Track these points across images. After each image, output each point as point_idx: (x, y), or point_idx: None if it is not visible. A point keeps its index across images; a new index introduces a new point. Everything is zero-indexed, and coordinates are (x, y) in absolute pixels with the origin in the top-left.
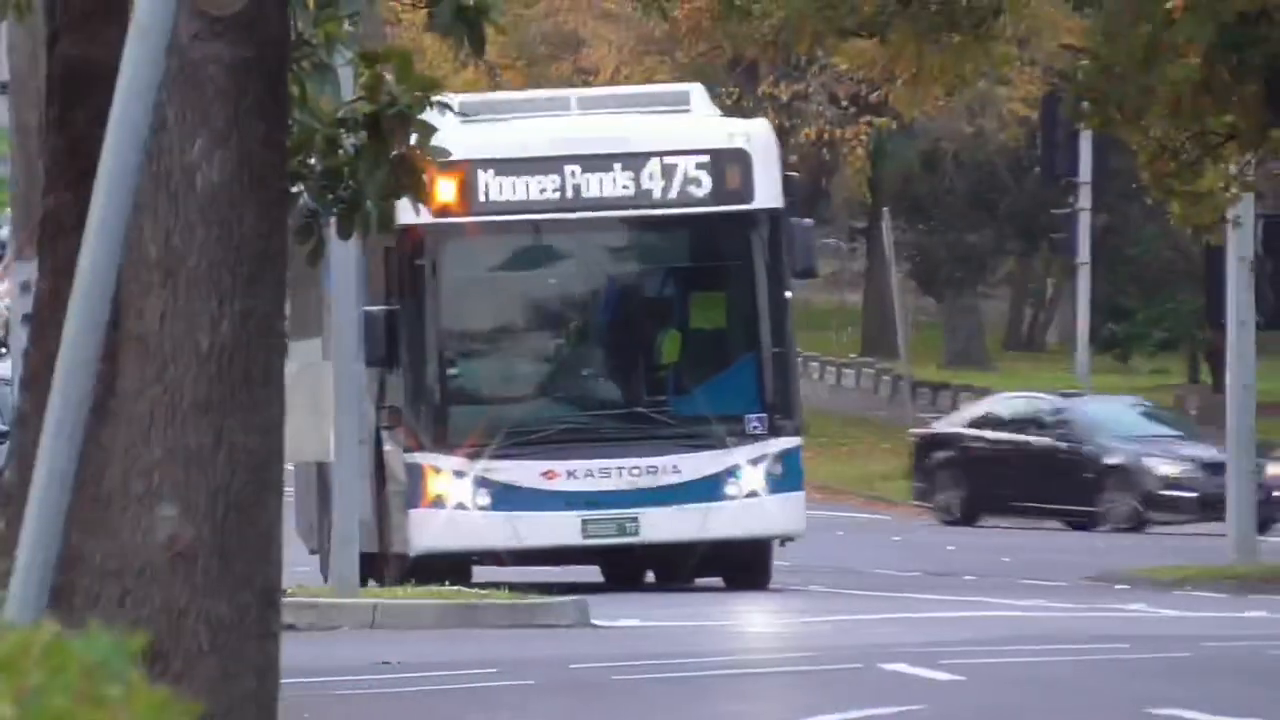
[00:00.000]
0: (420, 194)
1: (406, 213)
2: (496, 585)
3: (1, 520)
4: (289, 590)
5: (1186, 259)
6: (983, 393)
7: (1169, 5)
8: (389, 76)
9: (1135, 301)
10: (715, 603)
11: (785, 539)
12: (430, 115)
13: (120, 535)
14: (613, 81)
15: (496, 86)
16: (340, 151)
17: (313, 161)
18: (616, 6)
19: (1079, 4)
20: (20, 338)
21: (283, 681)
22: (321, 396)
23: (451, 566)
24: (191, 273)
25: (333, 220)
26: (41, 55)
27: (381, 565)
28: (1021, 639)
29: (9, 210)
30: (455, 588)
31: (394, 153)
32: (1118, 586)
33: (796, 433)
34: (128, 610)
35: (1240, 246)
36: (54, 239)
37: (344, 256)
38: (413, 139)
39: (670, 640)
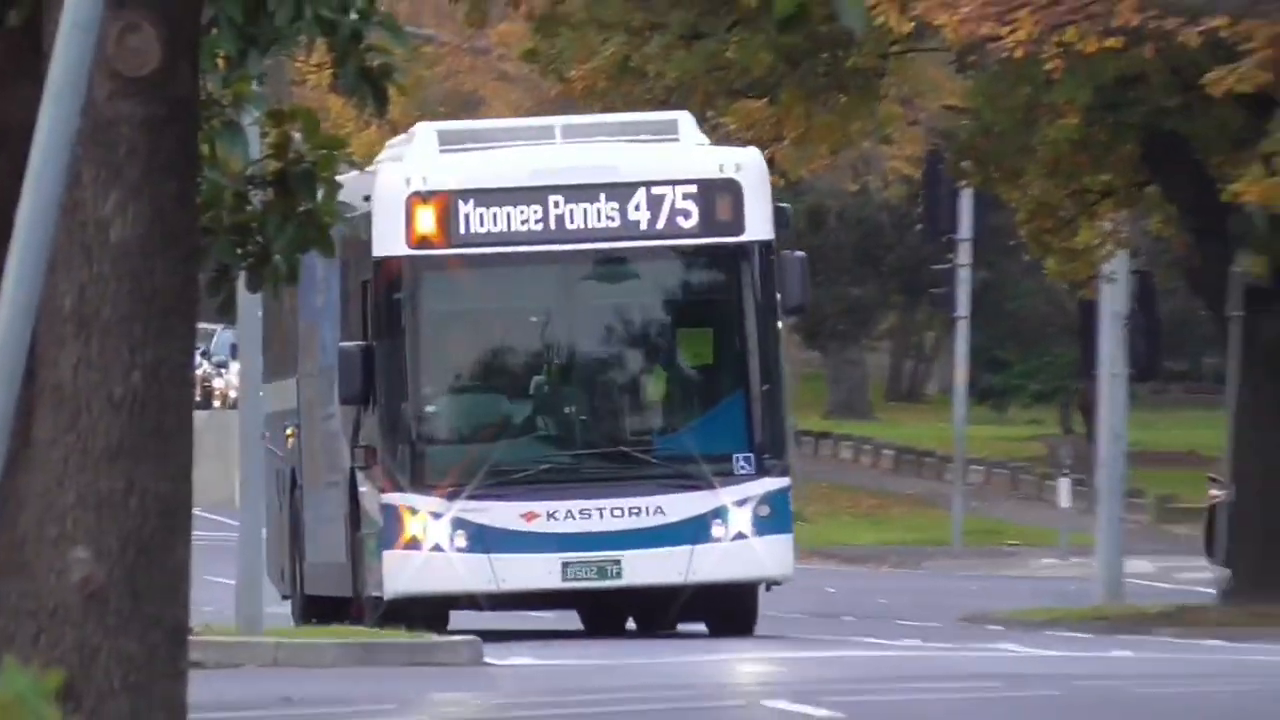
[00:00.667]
0: (326, 249)
1: (384, 244)
2: (470, 631)
3: None
4: (196, 629)
5: (1062, 313)
6: (863, 442)
7: (1048, 67)
8: (296, 135)
9: (1012, 354)
10: (620, 646)
11: (773, 583)
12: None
13: (35, 577)
14: None
15: None
16: (249, 207)
17: (223, 217)
18: (513, 69)
19: (961, 66)
20: None
21: (190, 717)
22: (227, 444)
23: (428, 610)
24: (105, 324)
25: (243, 273)
26: None
27: (355, 609)
28: (899, 677)
29: None
30: (354, 627)
31: (301, 208)
32: (990, 627)
33: (785, 473)
34: (42, 649)
35: (1113, 301)
36: None
37: (251, 306)
38: (319, 195)
39: (560, 678)
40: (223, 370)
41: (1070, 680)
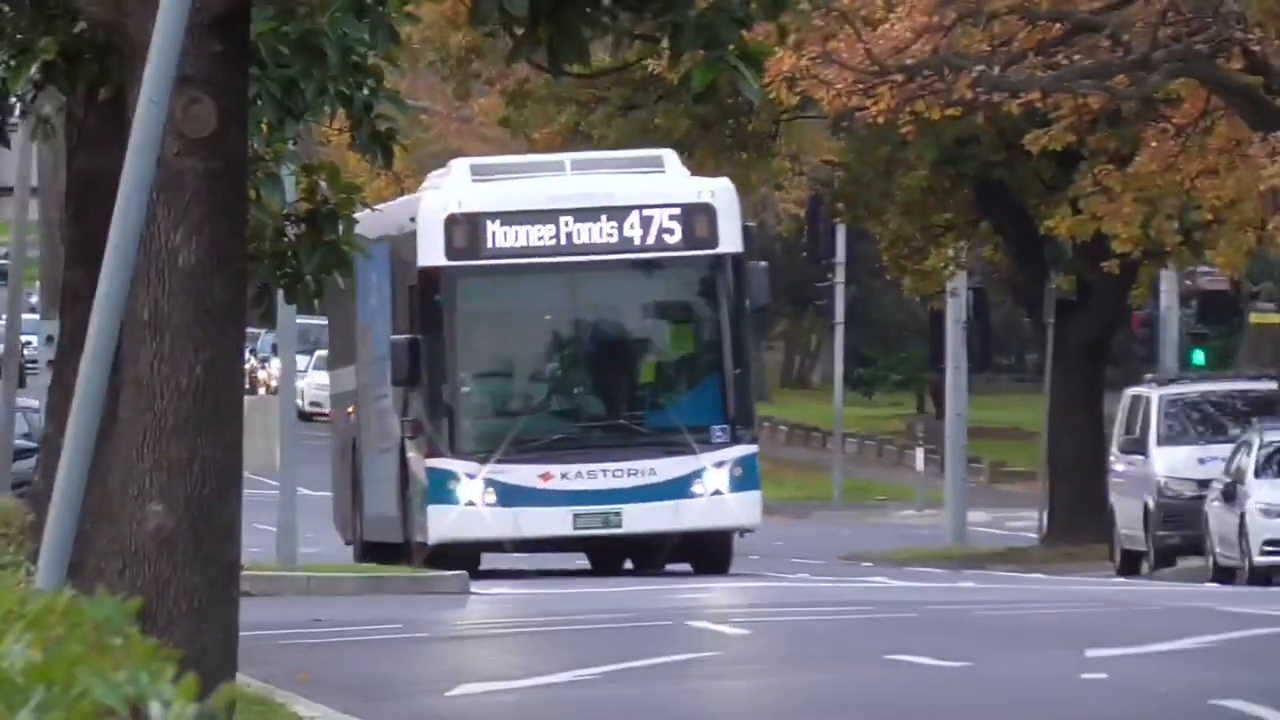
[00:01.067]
0: (346, 271)
1: (427, 256)
2: (502, 572)
3: (32, 514)
4: (245, 566)
5: (916, 320)
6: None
7: (903, 131)
8: (322, 183)
9: (877, 352)
10: (608, 582)
11: (744, 530)
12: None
13: (120, 525)
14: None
15: (401, 191)
16: (286, 239)
17: (266, 246)
18: (490, 133)
19: (836, 130)
20: (46, 377)
21: (240, 634)
22: (270, 423)
23: (463, 553)
24: (174, 329)
25: (280, 290)
26: (62, 166)
27: (406, 552)
28: (793, 603)
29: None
30: (368, 564)
31: (326, 240)
32: (863, 564)
33: (753, 441)
34: (125, 582)
35: (956, 310)
36: (72, 304)
37: (287, 315)
38: (340, 229)
39: (529, 604)
40: (266, 364)
41: (925, 604)
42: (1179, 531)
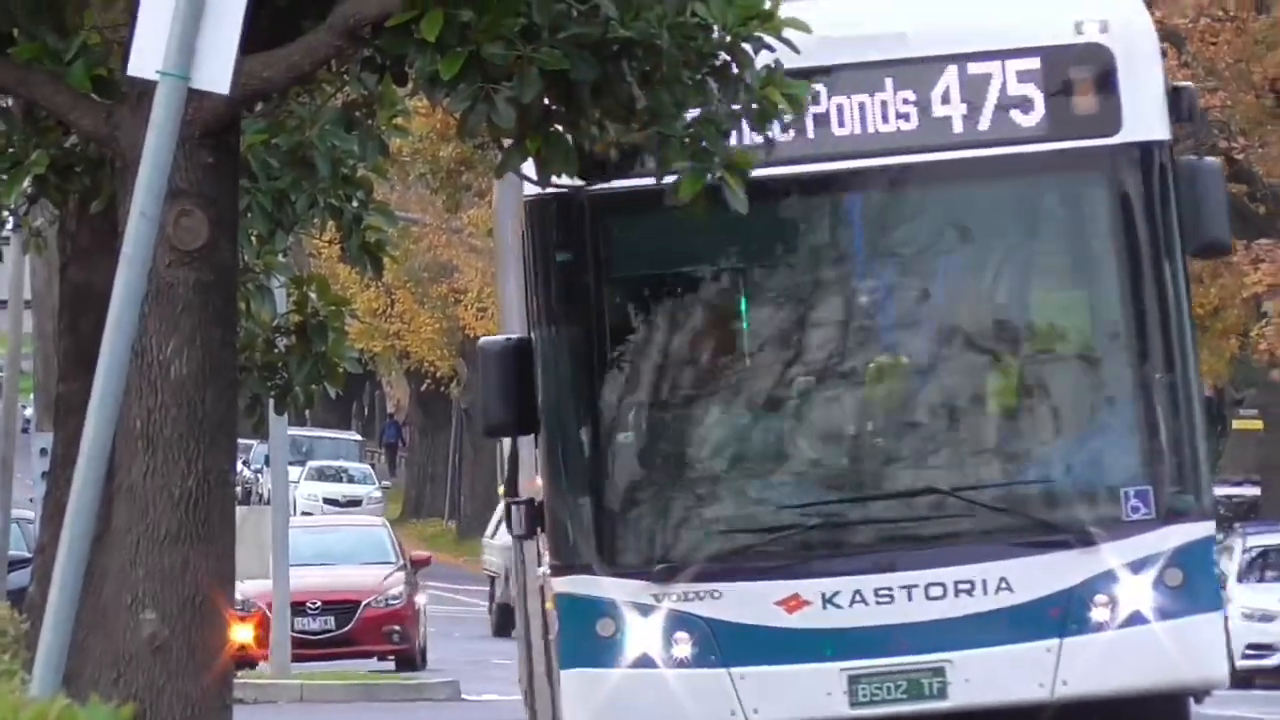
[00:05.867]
0: (336, 382)
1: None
2: None
3: (27, 623)
4: (238, 673)
5: None
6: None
7: None
8: (312, 295)
9: None
10: None
11: (1198, 694)
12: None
13: (114, 633)
14: (480, 300)
15: (392, 303)
16: (276, 350)
17: (256, 357)
18: (480, 243)
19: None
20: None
21: None
22: (262, 532)
23: None
24: (166, 441)
25: (271, 401)
26: (55, 279)
27: None
28: None
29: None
30: (365, 670)
31: (316, 351)
32: None
33: (1206, 516)
34: (120, 689)
35: None
36: (65, 415)
37: (278, 425)
38: (330, 341)
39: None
40: (259, 475)
41: None
42: None
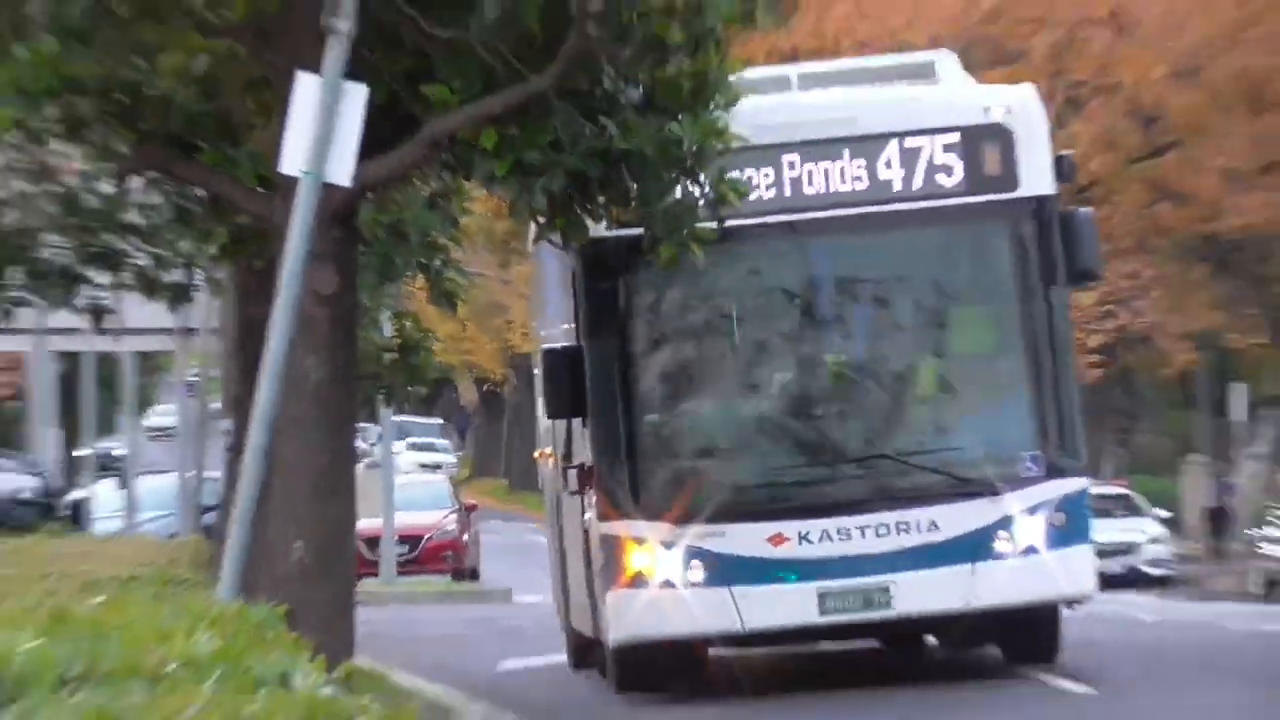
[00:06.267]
0: (427, 386)
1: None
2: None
3: (214, 550)
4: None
5: None
6: None
7: None
8: (409, 325)
9: None
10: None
11: (1073, 602)
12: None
13: (273, 559)
14: (523, 328)
15: (464, 331)
16: (384, 363)
17: (370, 368)
18: (523, 289)
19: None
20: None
21: (356, 629)
22: (374, 487)
23: (673, 656)
24: (308, 426)
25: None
26: (232, 314)
27: (600, 656)
28: None
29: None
30: (440, 581)
31: (411, 364)
32: None
33: (1081, 472)
34: (278, 596)
35: None
36: (238, 409)
37: (385, 414)
38: (420, 356)
39: None
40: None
41: None
42: None
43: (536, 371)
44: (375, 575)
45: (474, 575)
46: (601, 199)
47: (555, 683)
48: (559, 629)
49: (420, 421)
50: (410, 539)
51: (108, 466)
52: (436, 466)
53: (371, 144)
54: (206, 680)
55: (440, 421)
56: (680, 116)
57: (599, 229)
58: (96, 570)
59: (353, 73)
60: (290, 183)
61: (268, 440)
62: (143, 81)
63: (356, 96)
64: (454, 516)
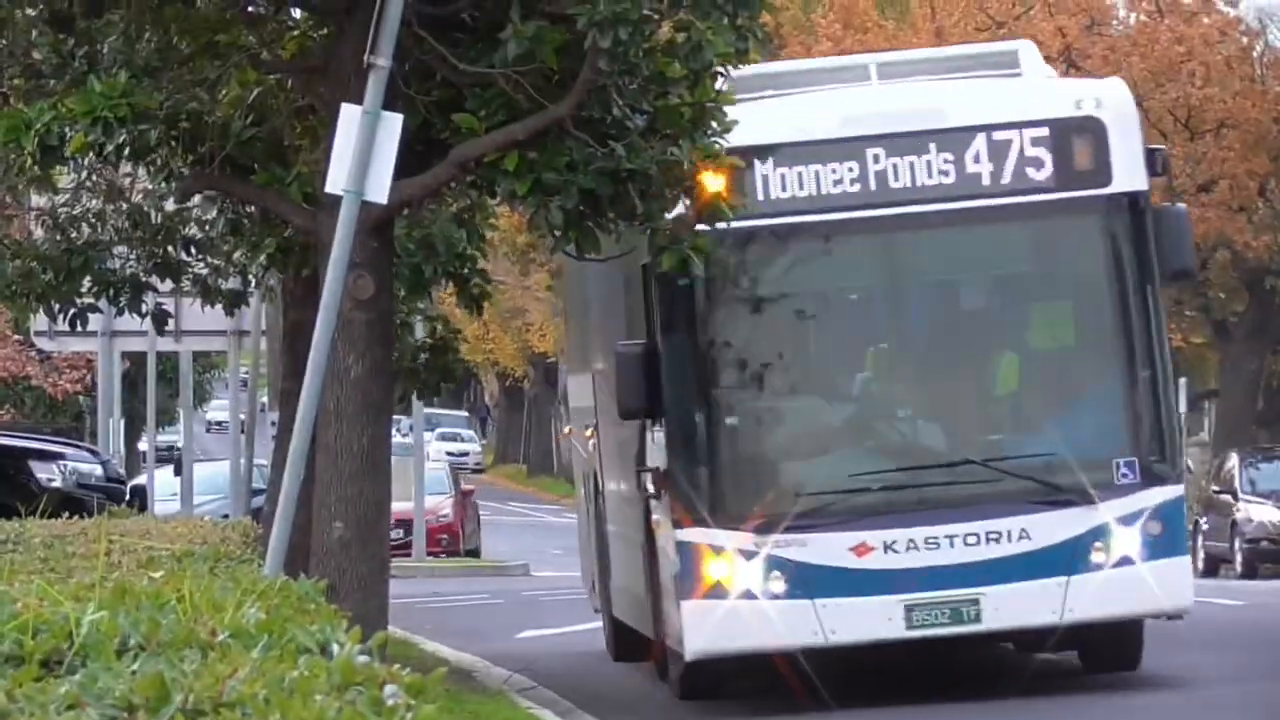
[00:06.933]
0: (455, 382)
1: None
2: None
3: (261, 530)
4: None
5: None
6: None
7: None
8: (439, 327)
9: None
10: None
11: (1170, 616)
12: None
13: (316, 535)
14: (540, 330)
15: (488, 332)
16: (417, 361)
17: (404, 364)
18: (543, 295)
19: None
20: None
21: (389, 601)
22: (407, 472)
23: (742, 672)
24: (348, 416)
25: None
26: (280, 317)
27: (655, 651)
28: None
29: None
30: (465, 559)
31: (440, 361)
32: None
33: (1178, 480)
34: (319, 570)
35: None
36: (285, 402)
37: (418, 406)
38: (451, 356)
39: None
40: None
41: None
42: None
43: (563, 371)
44: (409, 555)
45: (474, 554)
46: (611, 214)
47: (571, 654)
48: (572, 602)
49: (448, 414)
50: (404, 523)
51: (166, 457)
52: (464, 454)
53: (406, 165)
54: (253, 648)
55: (466, 414)
56: (680, 141)
57: (609, 241)
58: (155, 548)
59: (390, 103)
60: (333, 200)
61: (311, 429)
62: (203, 111)
63: (393, 124)
64: (450, 502)
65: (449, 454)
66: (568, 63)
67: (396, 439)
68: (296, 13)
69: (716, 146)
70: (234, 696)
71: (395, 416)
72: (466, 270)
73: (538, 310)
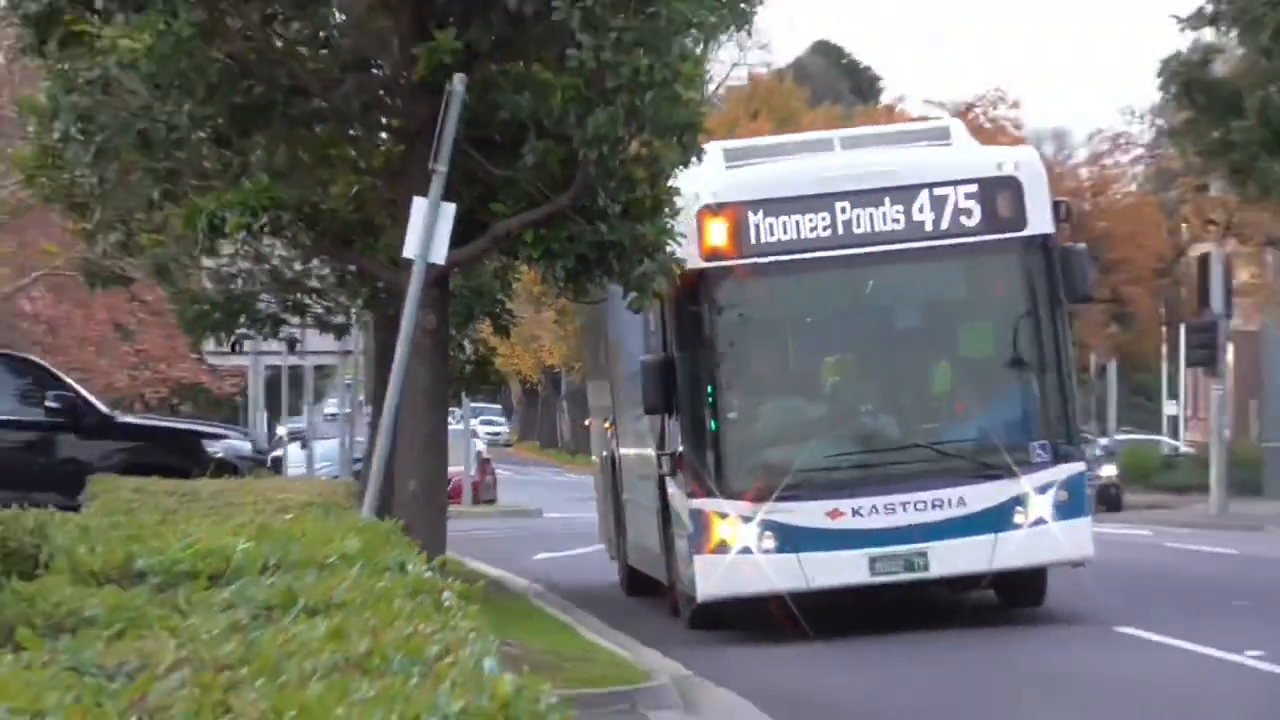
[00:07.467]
0: (493, 391)
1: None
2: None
3: (360, 488)
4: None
5: None
6: None
7: None
8: (481, 348)
9: None
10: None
11: (1074, 564)
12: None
13: (397, 490)
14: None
15: (513, 350)
16: (464, 372)
17: (456, 373)
18: (552, 326)
19: None
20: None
21: (446, 535)
22: (460, 447)
23: (738, 609)
24: (418, 408)
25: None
26: (373, 342)
27: (670, 598)
28: None
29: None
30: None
31: (483, 372)
32: None
33: (1081, 458)
34: (399, 515)
35: None
36: (375, 401)
37: (466, 402)
38: (490, 367)
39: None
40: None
41: None
42: None
43: (589, 385)
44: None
45: (490, 503)
46: (598, 272)
47: (575, 568)
48: (577, 534)
49: (487, 406)
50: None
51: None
52: (498, 433)
53: (458, 238)
54: (352, 567)
55: (499, 407)
56: (644, 222)
57: (598, 290)
58: (288, 500)
59: (446, 196)
60: (408, 262)
61: (394, 418)
62: (319, 201)
63: (449, 211)
64: (473, 465)
65: (487, 434)
66: (568, 169)
67: (451, 424)
68: (384, 135)
69: (669, 225)
70: (339, 600)
71: (450, 409)
72: (498, 309)
73: (547, 336)
